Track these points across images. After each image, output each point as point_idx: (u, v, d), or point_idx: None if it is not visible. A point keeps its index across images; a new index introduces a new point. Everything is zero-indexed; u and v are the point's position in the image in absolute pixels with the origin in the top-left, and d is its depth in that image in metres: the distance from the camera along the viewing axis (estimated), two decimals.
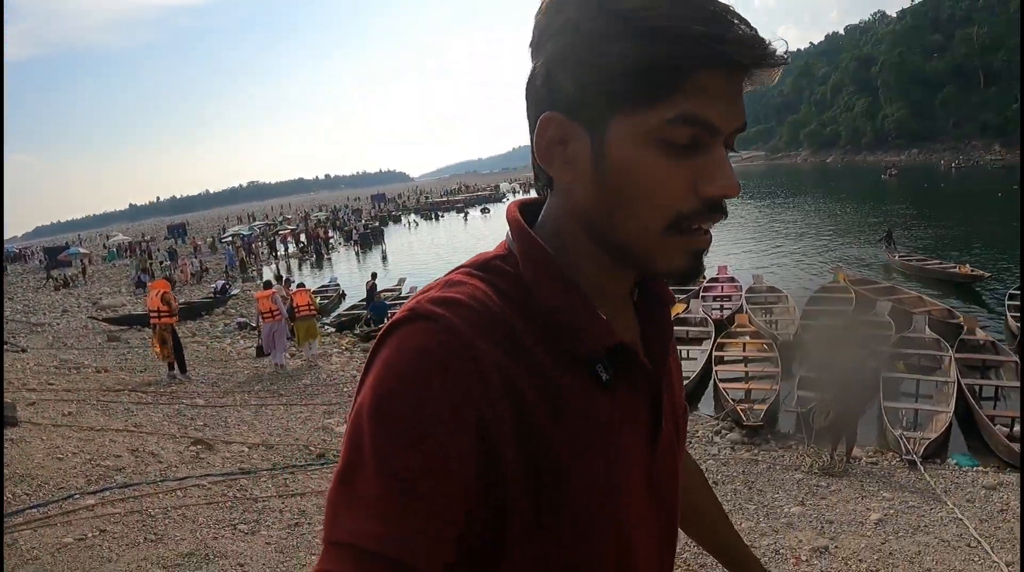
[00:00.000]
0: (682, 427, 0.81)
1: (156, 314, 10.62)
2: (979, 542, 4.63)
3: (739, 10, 0.61)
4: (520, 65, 0.72)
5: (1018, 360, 9.35)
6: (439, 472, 0.55)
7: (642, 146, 0.62)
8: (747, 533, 4.84)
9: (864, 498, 5.70)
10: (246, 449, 6.39)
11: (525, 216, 0.73)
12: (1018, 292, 12.30)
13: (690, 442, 7.92)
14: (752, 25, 0.61)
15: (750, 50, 0.59)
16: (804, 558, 4.43)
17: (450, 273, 0.69)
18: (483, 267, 0.69)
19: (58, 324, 18.81)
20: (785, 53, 0.62)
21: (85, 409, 7.51)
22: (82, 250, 40.86)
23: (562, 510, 0.62)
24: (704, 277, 17.06)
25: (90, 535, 3.82)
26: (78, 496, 4.46)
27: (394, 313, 0.81)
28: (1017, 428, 7.58)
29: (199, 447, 6.16)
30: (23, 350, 13.28)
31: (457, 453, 0.56)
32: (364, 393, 0.59)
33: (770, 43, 0.61)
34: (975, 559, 4.41)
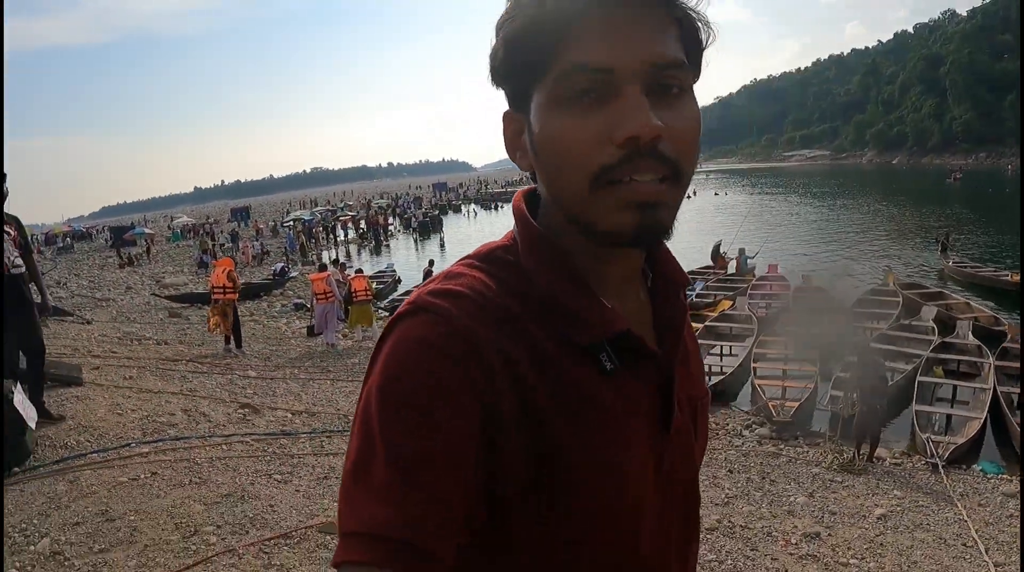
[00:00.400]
0: (702, 414, 0.79)
1: (221, 290, 11.18)
2: (976, 542, 4.72)
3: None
4: None
5: None
6: (444, 456, 0.56)
7: (551, 110, 0.63)
8: (745, 516, 5.03)
9: (875, 495, 5.80)
10: (290, 415, 6.84)
11: (531, 205, 0.73)
12: None
13: (717, 433, 8.07)
14: None
15: None
16: (793, 541, 4.60)
17: (453, 265, 0.70)
18: (485, 258, 0.70)
19: (122, 300, 19.75)
20: None
21: (144, 375, 8.08)
22: (147, 230, 42.57)
23: (564, 496, 0.63)
24: (754, 274, 17.19)
25: (142, 476, 4.27)
26: (134, 445, 4.94)
27: None
28: None
29: (246, 410, 6.64)
30: (88, 322, 14.08)
31: (460, 438, 0.57)
32: (370, 384, 0.60)
33: None
34: (966, 557, 4.52)
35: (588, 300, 0.67)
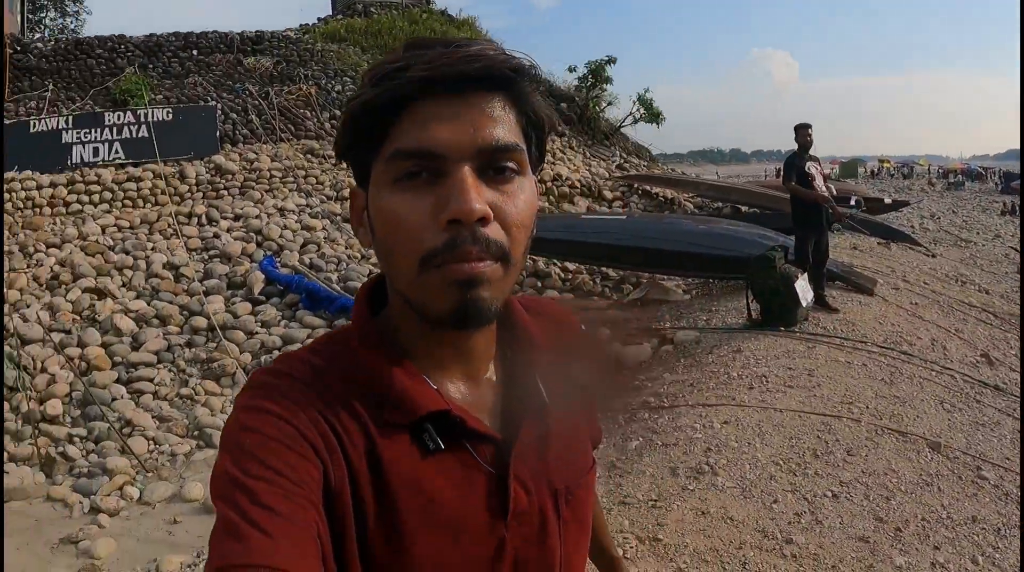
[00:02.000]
0: (572, 501, 0.75)
1: None
2: None
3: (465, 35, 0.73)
4: None
5: None
6: (290, 484, 0.58)
7: (386, 187, 0.64)
8: None
9: None
10: None
11: (381, 289, 0.74)
12: None
13: None
14: (465, 44, 0.63)
15: (431, 67, 0.61)
16: None
17: (293, 350, 0.74)
18: (324, 342, 0.73)
19: (983, 245, 19.96)
20: (497, 61, 0.62)
21: (931, 307, 9.19)
22: None
23: None
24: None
25: (855, 364, 5.81)
26: (869, 345, 6.44)
27: None
28: None
29: (983, 359, 7.19)
30: (933, 256, 15.30)
31: (303, 471, 0.60)
32: (219, 451, 0.63)
33: (472, 55, 0.61)
34: None
35: (406, 381, 0.67)
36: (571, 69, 19.00)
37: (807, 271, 6.75)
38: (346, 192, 12.67)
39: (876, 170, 54.20)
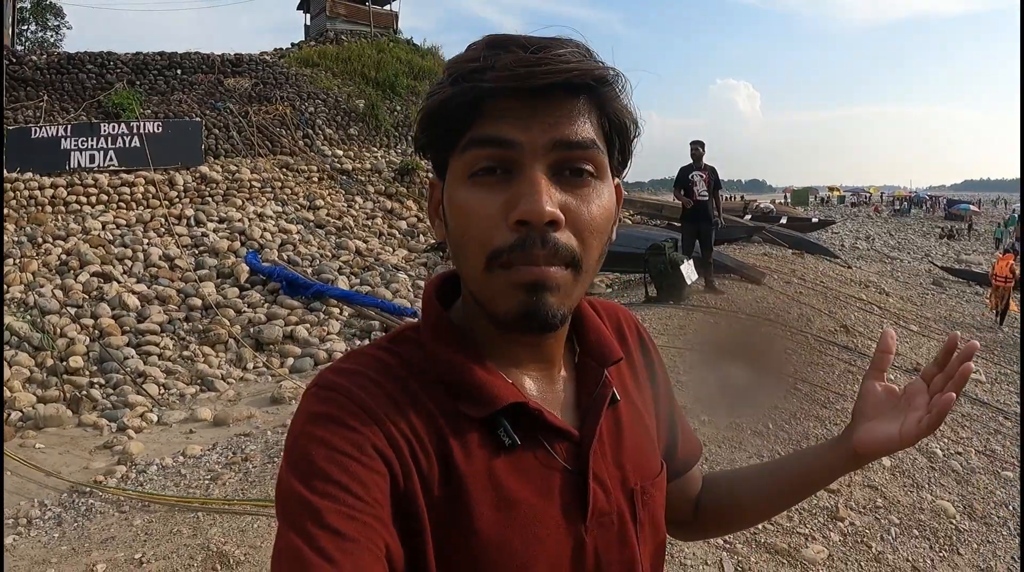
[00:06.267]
0: (647, 501, 0.75)
1: (1003, 279, 12.66)
2: None
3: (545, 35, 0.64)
4: None
5: None
6: (356, 501, 0.58)
7: (461, 182, 0.65)
8: None
9: None
10: None
11: (450, 285, 0.76)
12: None
13: None
14: (547, 47, 0.62)
15: (510, 74, 0.61)
16: None
17: (361, 346, 0.74)
18: (393, 338, 0.72)
19: (903, 261, 21.85)
20: (577, 71, 0.62)
21: (812, 294, 10.94)
22: (972, 207, 42.13)
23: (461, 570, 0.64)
24: None
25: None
26: (741, 315, 8.12)
27: None
28: None
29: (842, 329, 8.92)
30: (848, 266, 17.08)
31: (372, 485, 0.59)
32: (283, 456, 0.63)
33: (552, 64, 0.61)
34: None
35: (483, 374, 0.67)
36: None
37: (693, 259, 8.48)
38: (318, 202, 14.24)
39: (825, 198, 57.02)
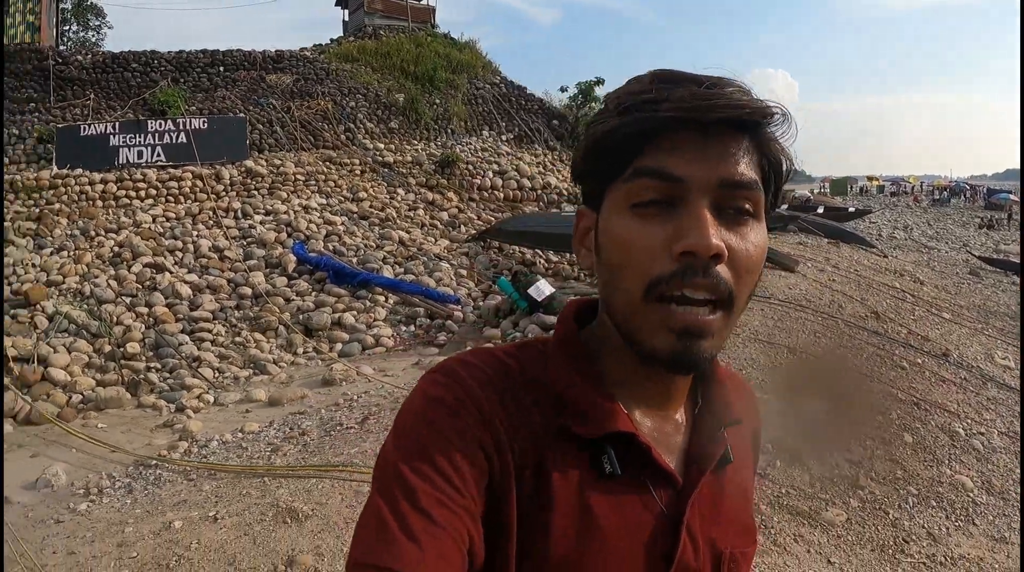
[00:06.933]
0: (733, 568, 0.73)
1: None
2: None
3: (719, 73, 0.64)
4: None
5: None
6: (450, 489, 0.60)
7: (621, 212, 0.65)
8: None
9: None
10: None
11: (585, 314, 0.76)
12: None
13: None
14: (717, 84, 0.63)
15: (686, 107, 0.61)
16: None
17: (488, 347, 0.75)
18: (521, 345, 0.74)
19: (946, 252, 21.58)
20: (750, 108, 0.63)
21: (850, 284, 11.02)
22: (1012, 196, 40.98)
23: None
24: None
25: None
26: (773, 301, 8.27)
27: None
28: None
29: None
30: (884, 256, 17.02)
31: (467, 473, 0.61)
32: (391, 430, 0.66)
33: (726, 99, 0.62)
34: None
35: (600, 397, 0.68)
36: (563, 89, 21.01)
37: None
38: (361, 194, 14.63)
39: (864, 188, 56.08)
